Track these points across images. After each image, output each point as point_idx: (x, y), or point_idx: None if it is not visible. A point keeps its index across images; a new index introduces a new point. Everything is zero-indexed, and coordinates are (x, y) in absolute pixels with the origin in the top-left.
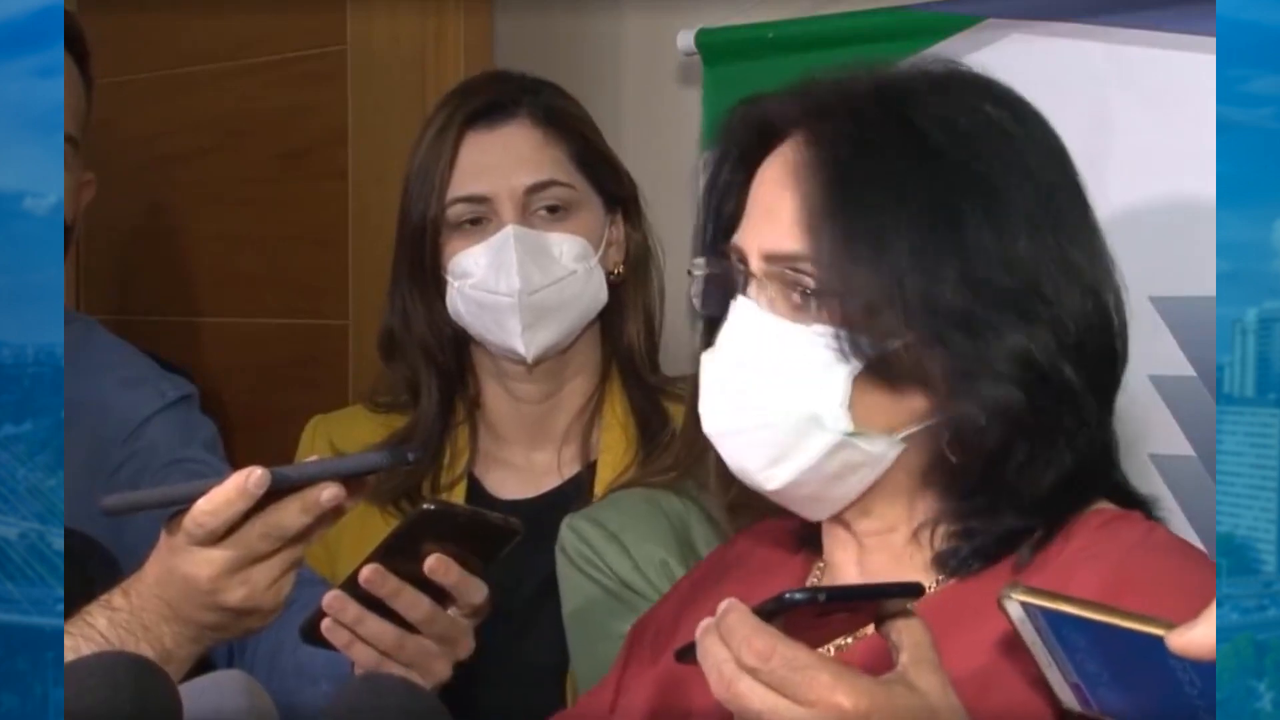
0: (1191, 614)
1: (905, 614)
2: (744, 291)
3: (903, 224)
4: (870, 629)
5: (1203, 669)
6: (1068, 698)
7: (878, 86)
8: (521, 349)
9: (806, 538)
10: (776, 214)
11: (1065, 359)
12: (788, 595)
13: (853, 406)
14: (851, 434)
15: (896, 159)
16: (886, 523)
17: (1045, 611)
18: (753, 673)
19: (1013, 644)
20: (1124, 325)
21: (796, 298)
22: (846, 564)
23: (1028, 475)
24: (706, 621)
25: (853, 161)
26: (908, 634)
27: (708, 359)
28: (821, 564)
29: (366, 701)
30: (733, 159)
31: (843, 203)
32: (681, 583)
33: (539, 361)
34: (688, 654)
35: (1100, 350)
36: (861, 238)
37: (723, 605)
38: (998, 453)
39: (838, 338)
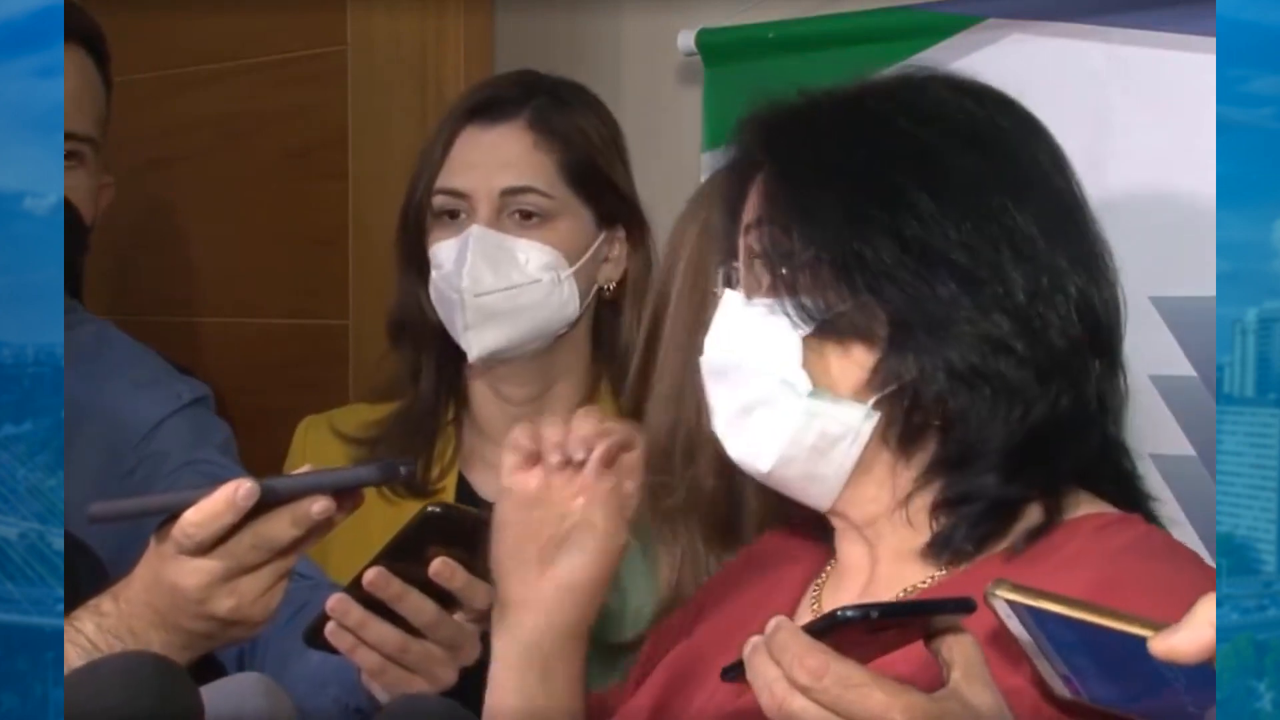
0: (1175, 615)
1: (956, 630)
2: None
3: (837, 193)
4: None
5: (1189, 668)
6: (1059, 687)
7: (847, 92)
8: (464, 346)
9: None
10: (753, 214)
11: (1013, 332)
12: (839, 613)
13: (808, 368)
14: (813, 392)
15: (839, 139)
16: (882, 506)
17: (1031, 609)
18: (805, 691)
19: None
20: (1109, 314)
21: (759, 279)
22: (859, 567)
23: (990, 433)
24: (755, 639)
25: (803, 153)
26: (959, 650)
27: (703, 360)
28: (832, 563)
29: None
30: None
31: (786, 184)
32: (702, 588)
33: (488, 364)
34: (734, 672)
35: (1062, 329)
36: (798, 210)
37: (772, 623)
38: (955, 411)
39: (782, 306)
